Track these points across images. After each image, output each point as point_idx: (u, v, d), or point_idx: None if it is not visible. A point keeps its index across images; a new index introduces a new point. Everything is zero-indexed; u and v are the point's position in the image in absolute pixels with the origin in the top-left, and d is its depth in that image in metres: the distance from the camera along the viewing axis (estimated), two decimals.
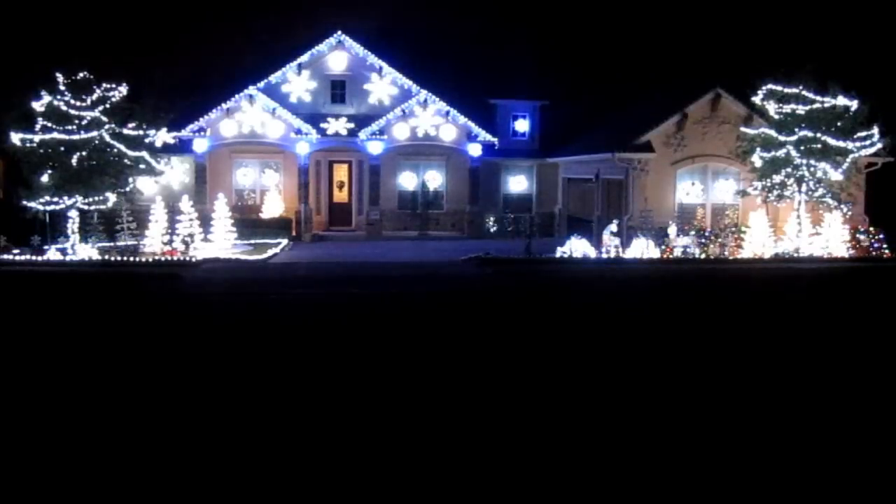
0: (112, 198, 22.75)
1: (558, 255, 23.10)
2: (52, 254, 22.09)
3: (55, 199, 22.16)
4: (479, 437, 7.38)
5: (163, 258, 21.97)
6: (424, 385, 9.26)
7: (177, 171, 28.60)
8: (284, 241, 26.36)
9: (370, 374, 9.72)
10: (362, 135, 28.76)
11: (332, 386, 9.17)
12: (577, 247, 23.14)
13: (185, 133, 27.61)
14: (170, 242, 23.13)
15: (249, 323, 13.41)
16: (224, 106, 28.02)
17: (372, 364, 10.21)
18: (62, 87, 22.28)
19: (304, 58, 29.24)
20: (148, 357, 10.66)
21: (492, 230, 30.19)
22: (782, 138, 23.24)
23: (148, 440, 7.25)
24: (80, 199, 22.35)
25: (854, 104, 23.23)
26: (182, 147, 27.77)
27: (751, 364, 10.39)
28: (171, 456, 6.87)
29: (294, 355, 10.79)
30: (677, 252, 23.17)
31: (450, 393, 8.93)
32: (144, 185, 25.22)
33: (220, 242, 24.56)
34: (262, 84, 28.58)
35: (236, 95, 28.07)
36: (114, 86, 22.64)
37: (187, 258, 21.92)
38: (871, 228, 24.84)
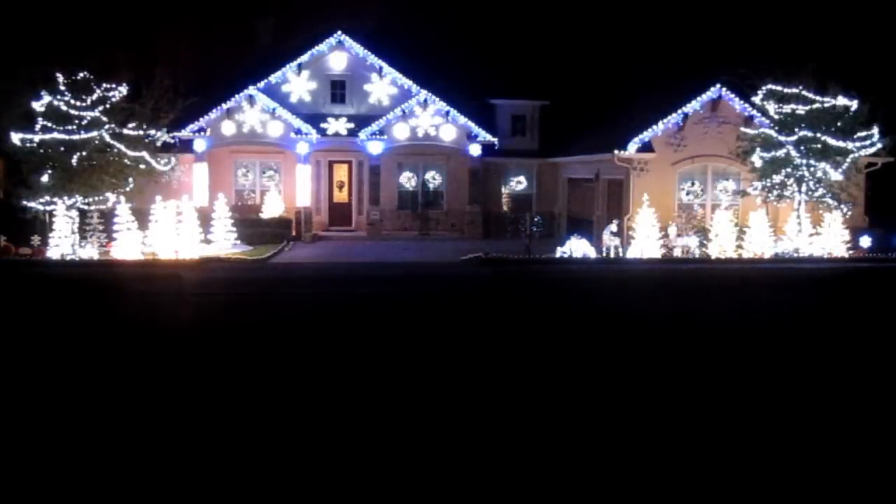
0: (112, 198, 22.76)
1: (558, 255, 23.10)
2: (52, 253, 22.11)
3: (55, 199, 22.15)
4: (473, 439, 7.39)
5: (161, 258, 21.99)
6: (422, 386, 9.26)
7: (177, 171, 28.54)
8: (284, 241, 26.34)
9: (369, 375, 9.71)
10: (362, 135, 28.74)
11: (330, 386, 9.16)
12: (577, 247, 23.14)
13: (185, 133, 27.57)
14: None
15: (247, 323, 13.41)
16: (224, 106, 27.99)
17: (371, 365, 10.21)
18: (62, 87, 22.26)
19: (304, 58, 29.22)
20: (149, 360, 10.65)
21: (492, 230, 30.18)
22: (782, 138, 23.26)
23: (149, 440, 7.26)
24: (79, 199, 22.35)
25: (854, 104, 23.26)
26: (182, 147, 27.74)
27: (751, 367, 10.39)
28: (173, 454, 6.88)
29: (293, 355, 10.79)
30: (677, 252, 23.18)
31: (447, 395, 8.93)
32: (144, 185, 25.17)
33: (221, 242, 24.54)
34: (262, 84, 28.56)
35: (236, 95, 28.04)
36: (114, 86, 22.63)
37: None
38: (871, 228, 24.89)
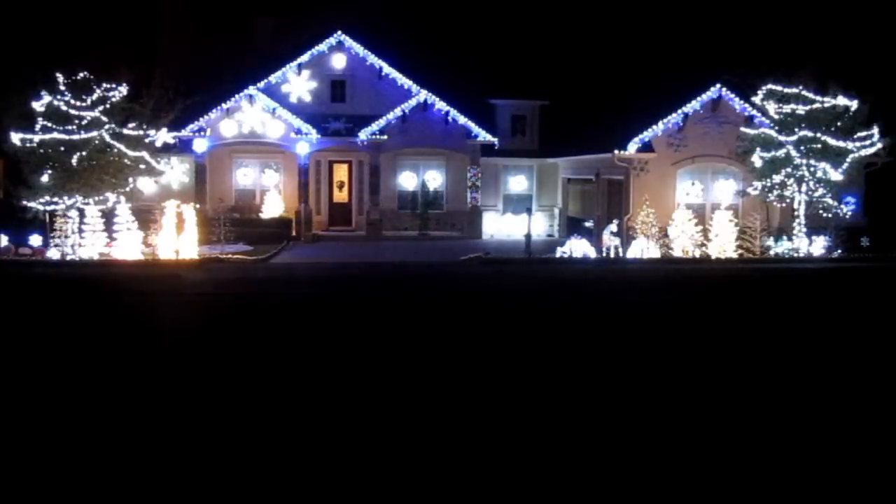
0: (112, 198, 22.76)
1: (558, 255, 23.11)
2: (52, 253, 22.13)
3: (55, 199, 22.15)
4: (473, 441, 7.39)
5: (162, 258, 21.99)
6: (422, 387, 9.26)
7: (177, 171, 28.58)
8: (284, 242, 26.34)
9: (369, 375, 9.72)
10: (362, 135, 28.74)
11: (330, 387, 9.17)
12: (577, 247, 23.16)
13: (185, 133, 27.56)
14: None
15: (247, 323, 13.41)
16: (224, 106, 27.99)
17: (371, 366, 10.21)
18: (62, 87, 22.24)
19: (305, 58, 29.23)
20: (149, 360, 10.66)
21: (491, 230, 30.19)
22: (782, 138, 23.28)
23: (149, 439, 7.26)
24: (80, 199, 22.35)
25: (854, 104, 23.28)
26: (182, 147, 27.74)
27: (750, 367, 10.40)
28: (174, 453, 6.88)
29: (293, 356, 10.79)
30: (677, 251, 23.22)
31: (447, 396, 8.93)
32: (144, 185, 25.21)
33: (220, 242, 24.51)
34: (262, 84, 28.57)
35: (236, 95, 28.04)
36: (114, 86, 22.60)
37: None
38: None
